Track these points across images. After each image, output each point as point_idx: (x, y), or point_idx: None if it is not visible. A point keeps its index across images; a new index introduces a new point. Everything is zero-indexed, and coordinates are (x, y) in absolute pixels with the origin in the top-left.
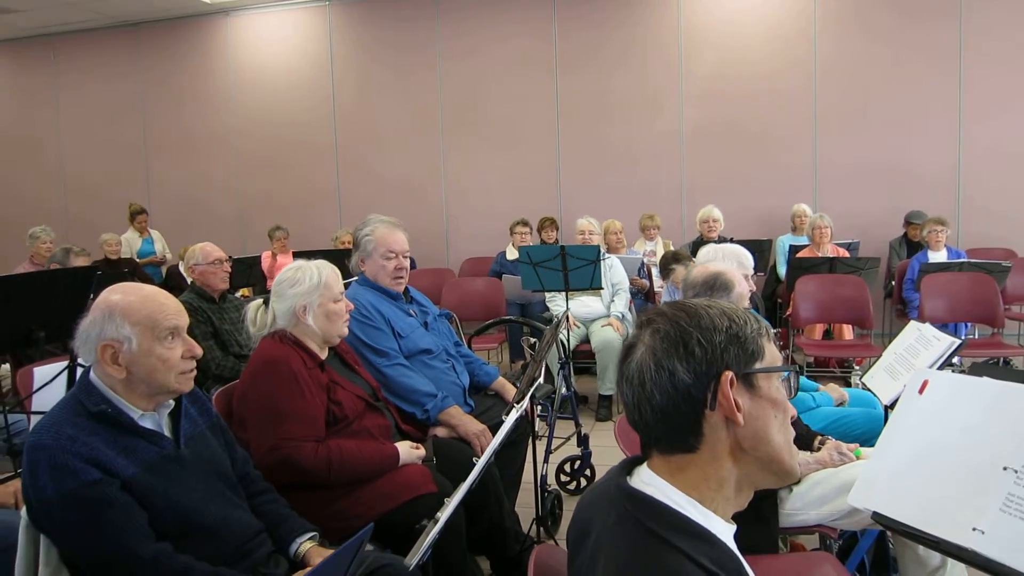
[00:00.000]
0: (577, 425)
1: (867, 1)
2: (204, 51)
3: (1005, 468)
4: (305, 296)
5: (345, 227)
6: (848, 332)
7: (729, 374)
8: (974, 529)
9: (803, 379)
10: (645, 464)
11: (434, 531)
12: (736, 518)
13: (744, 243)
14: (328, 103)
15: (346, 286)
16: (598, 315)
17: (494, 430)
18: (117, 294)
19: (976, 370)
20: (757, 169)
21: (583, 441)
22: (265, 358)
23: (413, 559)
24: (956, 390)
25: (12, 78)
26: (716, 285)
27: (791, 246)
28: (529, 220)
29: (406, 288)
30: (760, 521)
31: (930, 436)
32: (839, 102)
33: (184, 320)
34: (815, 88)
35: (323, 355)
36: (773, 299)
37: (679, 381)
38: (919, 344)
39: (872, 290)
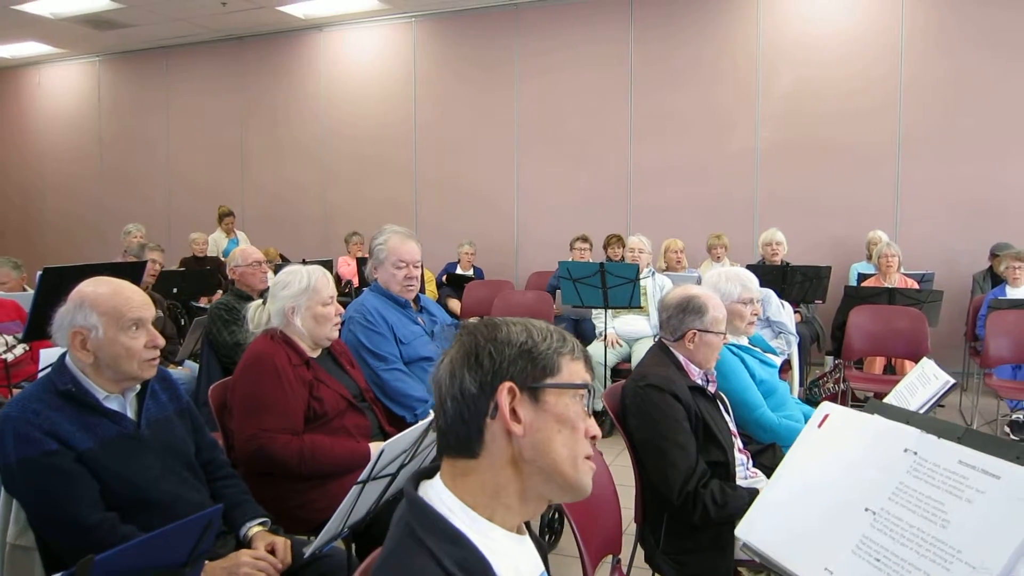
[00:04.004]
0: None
1: (959, 18)
2: (298, 65)
3: (867, 509)
4: (293, 299)
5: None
6: (909, 367)
7: (508, 385)
8: (826, 569)
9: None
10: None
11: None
12: (695, 545)
13: (800, 269)
14: (409, 115)
15: None
16: (642, 335)
17: None
18: (89, 286)
19: (871, 407)
20: (834, 192)
21: None
22: (252, 353)
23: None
24: (847, 426)
25: (129, 86)
26: (688, 308)
27: (859, 274)
28: (598, 236)
29: (417, 297)
30: (717, 549)
31: (814, 471)
32: (925, 124)
33: (149, 313)
34: (900, 109)
35: (314, 354)
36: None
37: (466, 390)
38: (919, 381)
39: (934, 324)
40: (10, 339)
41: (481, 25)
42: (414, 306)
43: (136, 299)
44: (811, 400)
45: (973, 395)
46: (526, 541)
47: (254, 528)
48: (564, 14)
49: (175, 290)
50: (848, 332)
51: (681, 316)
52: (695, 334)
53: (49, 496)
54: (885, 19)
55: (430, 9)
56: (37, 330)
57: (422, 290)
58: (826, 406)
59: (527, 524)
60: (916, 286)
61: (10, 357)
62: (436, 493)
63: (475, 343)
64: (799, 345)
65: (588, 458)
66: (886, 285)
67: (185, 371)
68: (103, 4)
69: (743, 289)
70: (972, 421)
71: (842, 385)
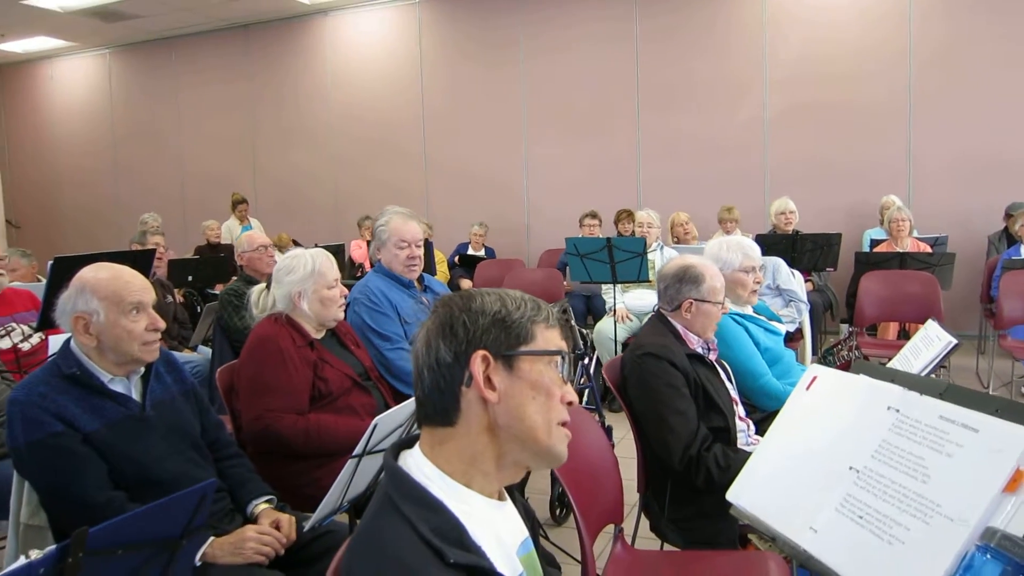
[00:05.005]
0: (600, 417)
1: None
2: (304, 50)
3: (851, 468)
4: (300, 283)
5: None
6: None
7: (481, 353)
8: (811, 528)
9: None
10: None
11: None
12: (700, 511)
13: (810, 237)
14: (417, 97)
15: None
16: (652, 309)
17: None
18: (90, 272)
19: (857, 367)
20: (845, 158)
21: (607, 433)
22: (257, 336)
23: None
24: (834, 387)
25: (139, 77)
26: (685, 277)
27: (872, 240)
28: (608, 212)
29: (421, 276)
30: (722, 514)
31: (802, 432)
32: (937, 87)
33: (148, 297)
34: (910, 72)
35: (318, 336)
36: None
37: (441, 359)
38: (922, 344)
39: (947, 287)
40: (25, 328)
41: (485, 5)
42: (418, 285)
43: (135, 283)
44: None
45: (990, 357)
46: (507, 507)
47: (260, 505)
48: None
49: (190, 277)
50: (859, 299)
51: (678, 286)
52: (692, 303)
53: (57, 477)
54: None
55: None
56: (50, 319)
57: (433, 271)
58: (814, 368)
59: (515, 491)
60: (929, 250)
61: (26, 346)
62: (415, 462)
63: (450, 314)
64: (811, 313)
65: (564, 425)
66: (898, 250)
67: (198, 356)
68: None
69: (744, 257)
70: (988, 383)
71: (856, 352)
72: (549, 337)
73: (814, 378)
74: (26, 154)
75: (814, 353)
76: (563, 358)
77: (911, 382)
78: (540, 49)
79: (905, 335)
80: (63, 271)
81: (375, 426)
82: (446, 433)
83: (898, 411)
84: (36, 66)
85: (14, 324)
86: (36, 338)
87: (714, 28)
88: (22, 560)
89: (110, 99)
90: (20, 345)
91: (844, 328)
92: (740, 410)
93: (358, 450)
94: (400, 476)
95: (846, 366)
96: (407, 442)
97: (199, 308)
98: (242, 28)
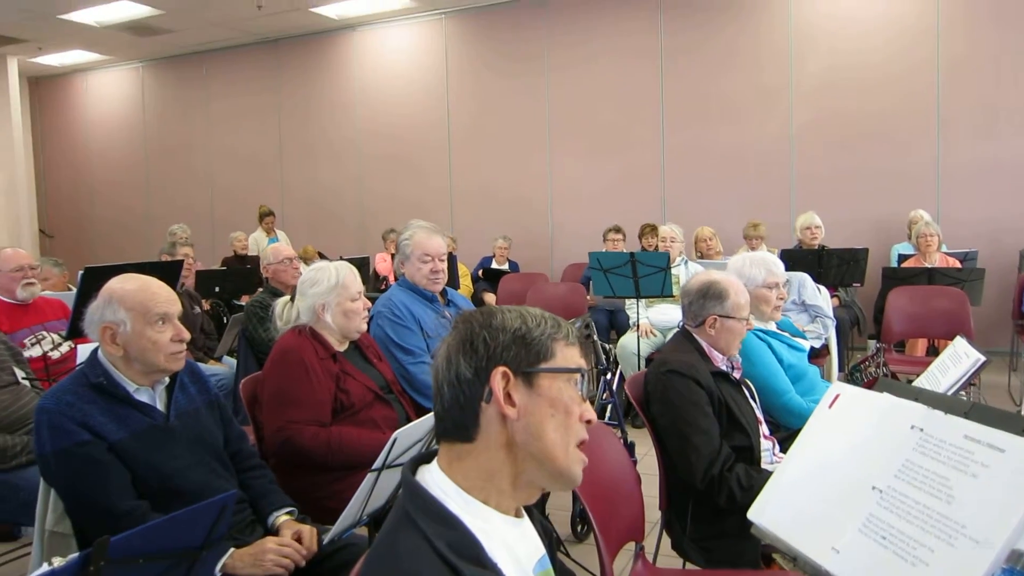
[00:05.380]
0: (623, 433)
1: None
2: (332, 64)
3: (874, 487)
4: (324, 295)
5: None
6: None
7: (501, 369)
8: (833, 548)
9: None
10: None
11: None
12: (722, 531)
13: (836, 252)
14: (442, 110)
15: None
16: (676, 324)
17: None
18: (118, 283)
19: (881, 385)
20: (873, 173)
21: (629, 449)
22: (281, 348)
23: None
24: (857, 405)
25: (170, 90)
26: (709, 293)
27: (900, 255)
28: (633, 226)
29: (444, 291)
30: (744, 534)
31: (825, 451)
32: (965, 99)
33: (174, 308)
34: (938, 84)
35: (341, 348)
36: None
37: (461, 375)
38: (950, 360)
39: (977, 302)
40: (56, 337)
41: (511, 19)
42: (441, 299)
43: (162, 294)
44: (854, 384)
45: (1022, 374)
46: (524, 524)
47: (281, 517)
48: (593, 4)
49: (217, 288)
50: (887, 315)
51: (702, 302)
52: (716, 319)
53: (82, 485)
54: None
55: (460, 5)
56: (79, 328)
57: (456, 285)
58: (837, 386)
59: (532, 509)
60: (958, 265)
61: (56, 354)
62: (432, 477)
63: (470, 330)
64: (837, 329)
65: (582, 445)
66: (926, 265)
67: (223, 367)
68: (144, 11)
69: (768, 273)
70: (1021, 401)
71: (883, 369)
72: (569, 355)
73: (837, 396)
74: (60, 165)
75: (841, 369)
76: (582, 376)
77: (936, 401)
78: (565, 63)
79: (934, 352)
80: (93, 281)
81: (394, 440)
82: (464, 449)
83: (922, 430)
84: (71, 79)
85: (45, 332)
86: (66, 347)
87: (740, 42)
88: (45, 567)
89: (142, 111)
90: (50, 353)
91: (872, 344)
92: (764, 429)
93: (377, 464)
94: (417, 491)
95: (873, 383)
96: (425, 457)
97: (225, 319)
98: (272, 43)
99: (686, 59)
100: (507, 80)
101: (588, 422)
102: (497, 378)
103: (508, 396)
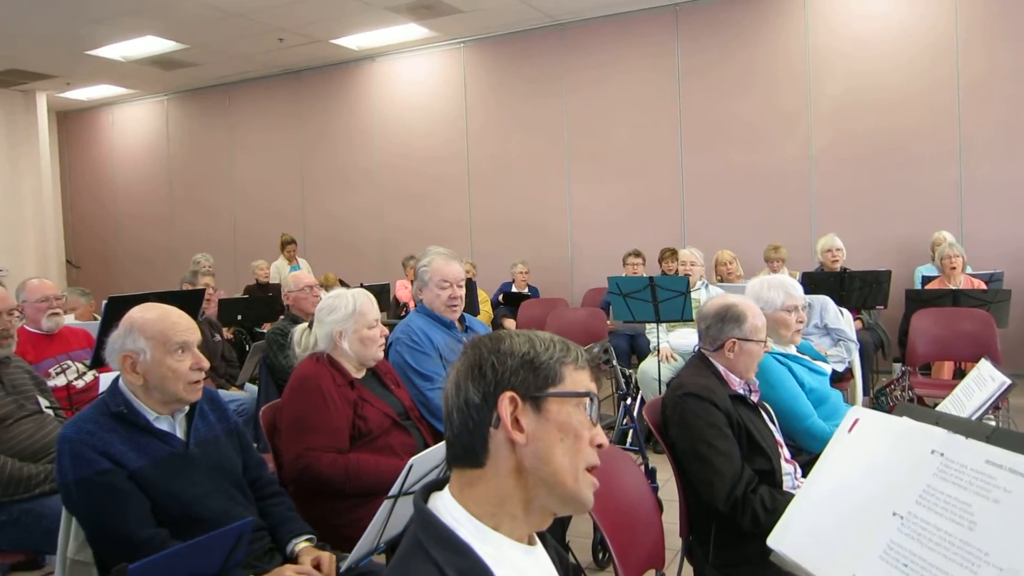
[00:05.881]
0: (644, 458)
1: (1017, 8)
2: (352, 94)
3: (894, 514)
4: (341, 323)
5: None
6: None
7: (509, 394)
8: (854, 575)
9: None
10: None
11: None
12: (745, 557)
13: (859, 274)
14: (461, 138)
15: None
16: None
17: None
18: (138, 312)
19: (900, 410)
20: (894, 194)
21: (650, 475)
22: (299, 376)
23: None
24: (876, 430)
25: (194, 122)
26: (727, 317)
27: (924, 277)
28: (653, 250)
29: (462, 317)
30: (767, 562)
31: (844, 476)
32: (987, 117)
33: (194, 336)
34: (959, 103)
35: (358, 375)
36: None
37: (470, 400)
38: (975, 384)
39: (1004, 324)
40: (80, 366)
41: (528, 46)
42: (459, 326)
43: (181, 323)
44: (879, 409)
45: None
46: (537, 552)
47: (300, 544)
48: (609, 30)
49: (239, 316)
50: (911, 337)
51: (720, 325)
52: (734, 343)
53: (103, 513)
54: (940, 12)
55: (478, 34)
56: (102, 357)
57: (476, 311)
58: (856, 410)
59: (547, 536)
60: (984, 286)
61: (80, 384)
62: (444, 504)
63: (479, 355)
64: (861, 352)
65: (592, 470)
66: (950, 287)
67: (245, 394)
68: (170, 46)
69: (787, 296)
70: None
71: (909, 393)
72: (578, 379)
73: (856, 420)
74: (86, 196)
75: (866, 393)
76: (592, 400)
77: (956, 425)
78: (583, 88)
79: (961, 374)
80: (116, 310)
81: (411, 467)
82: (475, 475)
83: (943, 455)
84: (98, 113)
85: (69, 362)
86: (90, 376)
87: (757, 64)
88: None
89: (167, 143)
90: (74, 383)
91: (897, 367)
92: (785, 452)
93: (394, 491)
94: (428, 518)
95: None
96: (437, 484)
97: (247, 347)
98: (293, 74)
99: (704, 82)
100: (525, 106)
101: (599, 446)
102: (504, 403)
103: (516, 421)
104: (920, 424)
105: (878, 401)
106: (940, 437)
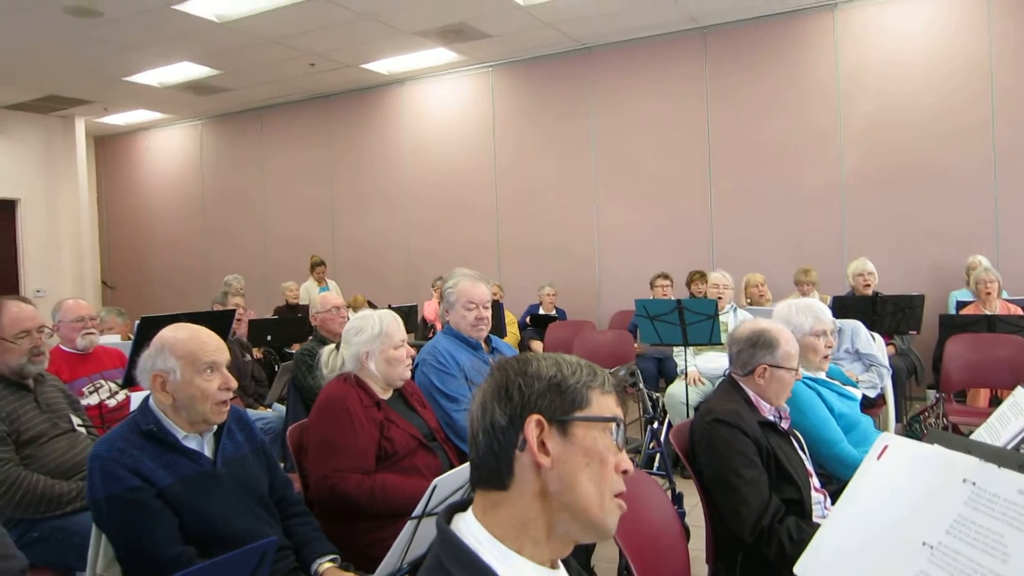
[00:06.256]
0: (671, 483)
1: None
2: (382, 118)
3: (924, 543)
4: (367, 343)
5: (492, 280)
6: None
7: (536, 417)
8: None
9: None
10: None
11: None
12: None
13: (891, 299)
14: (489, 161)
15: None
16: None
17: None
18: (169, 332)
19: (932, 437)
20: (928, 217)
21: (677, 500)
22: (326, 396)
23: None
24: (906, 457)
25: (227, 146)
26: (759, 342)
27: (958, 302)
28: (681, 273)
29: (488, 338)
30: None
31: (873, 505)
32: (1023, 138)
33: (223, 357)
34: (994, 124)
35: (385, 396)
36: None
37: (496, 422)
38: (1011, 412)
39: None
40: (112, 385)
41: (556, 70)
42: (485, 347)
43: (211, 344)
44: (912, 436)
45: None
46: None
47: (325, 564)
48: (637, 54)
49: (269, 337)
50: (945, 364)
51: (751, 351)
52: (766, 369)
53: (132, 530)
54: (972, 33)
55: (506, 58)
56: (134, 376)
57: (502, 332)
58: (885, 437)
59: (571, 560)
60: (1020, 312)
61: (112, 403)
62: (467, 526)
63: (506, 378)
64: (893, 378)
65: (619, 496)
66: (985, 312)
67: (273, 413)
68: (204, 72)
69: (815, 321)
70: None
71: (943, 420)
72: (604, 403)
73: (885, 447)
74: (122, 219)
75: (898, 420)
76: (618, 425)
77: (989, 453)
78: (610, 111)
79: (997, 402)
80: (148, 330)
81: (434, 487)
82: (499, 497)
83: (974, 484)
84: (134, 137)
85: (102, 381)
86: (122, 395)
87: (786, 85)
88: None
89: (200, 167)
90: (107, 401)
91: (931, 394)
92: (815, 481)
93: (417, 511)
94: (451, 539)
95: None
96: (461, 505)
97: (276, 367)
98: (324, 98)
99: (732, 103)
100: (553, 129)
101: (625, 472)
102: (531, 426)
103: (542, 444)
104: (951, 452)
105: (911, 428)
106: (972, 466)
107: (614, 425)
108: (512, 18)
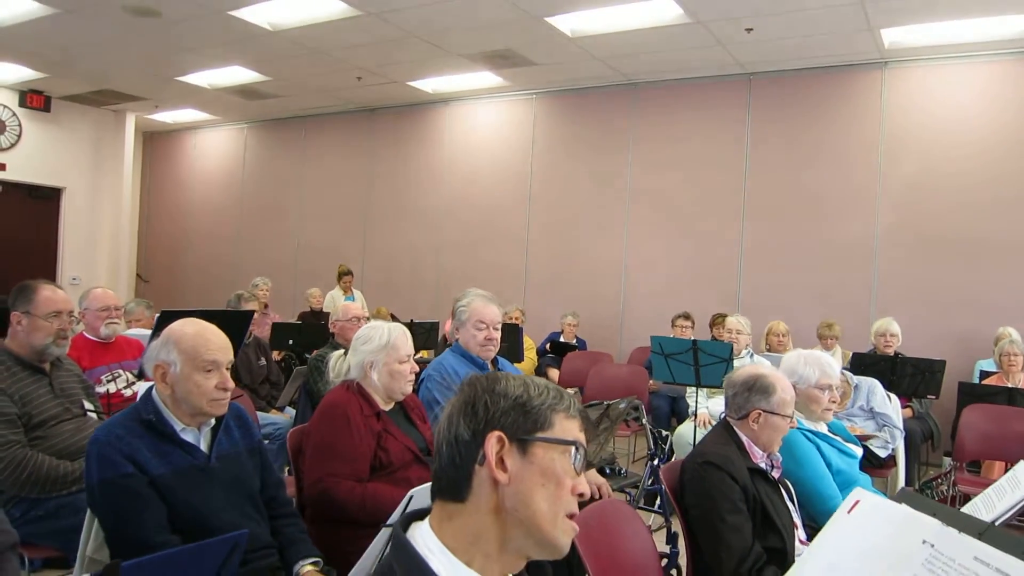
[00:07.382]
0: (667, 521)
1: None
2: (423, 136)
3: None
4: (373, 354)
5: (516, 304)
6: None
7: (497, 434)
8: None
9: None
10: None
11: None
12: None
13: (911, 361)
14: (525, 186)
15: None
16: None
17: None
18: (179, 325)
19: (900, 496)
20: (960, 285)
21: (671, 539)
22: (328, 402)
23: None
24: (874, 514)
25: (270, 151)
26: (755, 387)
27: (982, 372)
28: (705, 314)
29: (495, 359)
30: None
31: (837, 557)
32: None
33: (225, 357)
34: None
35: (386, 407)
36: None
37: (459, 435)
38: (1008, 484)
39: None
40: (130, 375)
41: (598, 102)
42: (492, 368)
43: (215, 342)
44: None
45: None
46: None
47: (306, 566)
48: (681, 93)
49: (291, 341)
50: (960, 432)
51: (747, 394)
52: (760, 414)
53: (122, 515)
54: (1022, 106)
55: (550, 86)
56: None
57: (520, 356)
58: (857, 492)
59: None
60: None
61: (128, 392)
62: (421, 534)
63: (474, 393)
64: (907, 441)
65: (572, 517)
66: (1007, 384)
67: (285, 417)
68: (254, 76)
69: (822, 374)
70: None
71: (954, 489)
72: (567, 427)
73: (856, 501)
74: (163, 214)
75: (909, 484)
76: (577, 449)
77: (952, 517)
78: (649, 147)
79: None
80: (166, 324)
81: (411, 497)
82: (455, 509)
83: (933, 546)
84: (181, 135)
85: (121, 371)
86: (138, 385)
87: (828, 137)
88: None
89: (242, 169)
90: (123, 391)
91: (947, 461)
92: (801, 533)
93: (392, 519)
94: (403, 546)
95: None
96: (419, 514)
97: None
98: (368, 111)
99: (773, 150)
100: (590, 160)
101: (580, 495)
102: (492, 442)
103: (501, 461)
104: (916, 512)
105: (923, 494)
106: (933, 528)
107: (573, 448)
108: (560, 49)
